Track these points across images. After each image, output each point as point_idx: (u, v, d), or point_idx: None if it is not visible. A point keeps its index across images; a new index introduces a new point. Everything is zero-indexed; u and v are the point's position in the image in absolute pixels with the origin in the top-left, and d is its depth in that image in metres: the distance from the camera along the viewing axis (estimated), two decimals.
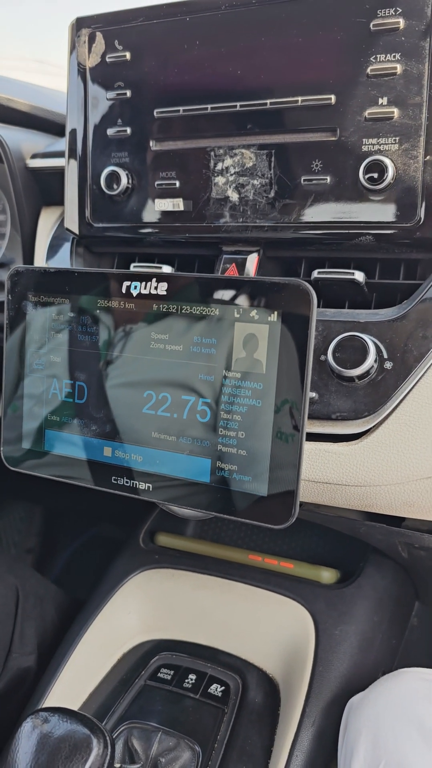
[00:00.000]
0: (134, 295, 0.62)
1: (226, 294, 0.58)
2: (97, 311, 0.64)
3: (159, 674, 0.91)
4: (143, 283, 0.62)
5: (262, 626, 0.93)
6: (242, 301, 0.58)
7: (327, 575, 0.98)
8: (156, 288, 0.61)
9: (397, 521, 0.84)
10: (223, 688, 0.88)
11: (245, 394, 0.57)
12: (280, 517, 0.56)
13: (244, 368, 0.57)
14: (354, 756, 0.72)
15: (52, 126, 1.12)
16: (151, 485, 0.63)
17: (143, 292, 0.62)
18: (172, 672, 0.91)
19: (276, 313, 0.56)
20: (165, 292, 0.61)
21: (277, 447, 0.56)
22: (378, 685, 0.80)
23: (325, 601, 0.93)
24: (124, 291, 0.63)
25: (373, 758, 0.70)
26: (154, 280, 0.61)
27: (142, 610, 0.99)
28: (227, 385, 0.58)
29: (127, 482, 0.64)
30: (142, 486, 0.64)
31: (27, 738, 0.58)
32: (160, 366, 0.61)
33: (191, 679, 0.89)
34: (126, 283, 0.62)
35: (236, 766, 0.79)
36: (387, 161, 0.68)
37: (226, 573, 0.99)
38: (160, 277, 0.61)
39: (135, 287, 0.62)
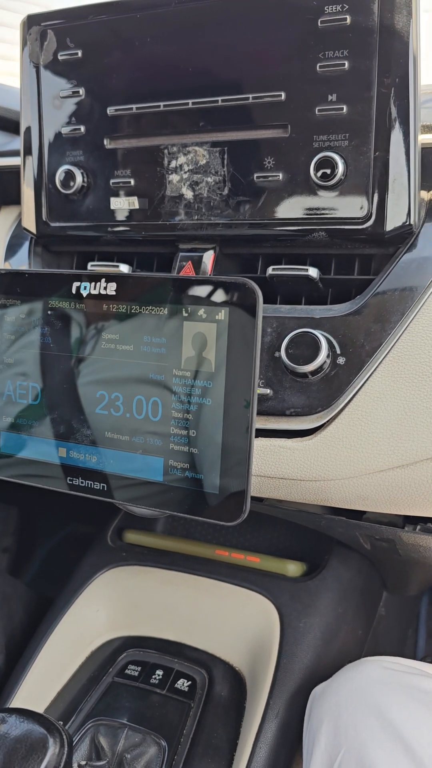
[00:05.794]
0: (84, 295, 0.62)
1: (175, 293, 0.59)
2: (49, 312, 0.64)
3: (126, 671, 0.92)
4: (92, 283, 0.62)
5: (228, 620, 0.94)
6: (191, 300, 0.58)
7: (293, 568, 0.99)
8: (105, 288, 0.61)
9: (357, 514, 0.85)
10: (189, 682, 0.89)
11: (195, 392, 0.58)
12: (232, 514, 0.57)
13: (194, 367, 0.58)
14: (315, 744, 0.73)
15: (8, 123, 1.11)
16: (105, 485, 0.63)
17: (93, 292, 0.62)
18: (139, 668, 0.91)
19: (224, 311, 0.56)
20: (114, 293, 0.61)
21: (227, 445, 0.56)
22: (340, 675, 0.81)
23: (290, 594, 0.93)
24: (74, 292, 0.63)
25: (333, 746, 0.71)
26: (103, 280, 0.61)
27: (109, 607, 0.99)
28: (178, 384, 0.58)
29: (82, 483, 0.64)
30: (98, 486, 0.64)
31: None
32: (111, 366, 0.62)
33: (158, 675, 0.90)
34: (76, 284, 0.62)
35: (201, 760, 0.80)
36: (337, 157, 0.68)
37: (193, 569, 0.99)
38: (110, 278, 0.61)
39: (85, 288, 0.62)
